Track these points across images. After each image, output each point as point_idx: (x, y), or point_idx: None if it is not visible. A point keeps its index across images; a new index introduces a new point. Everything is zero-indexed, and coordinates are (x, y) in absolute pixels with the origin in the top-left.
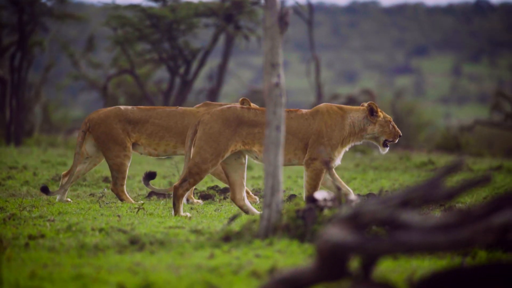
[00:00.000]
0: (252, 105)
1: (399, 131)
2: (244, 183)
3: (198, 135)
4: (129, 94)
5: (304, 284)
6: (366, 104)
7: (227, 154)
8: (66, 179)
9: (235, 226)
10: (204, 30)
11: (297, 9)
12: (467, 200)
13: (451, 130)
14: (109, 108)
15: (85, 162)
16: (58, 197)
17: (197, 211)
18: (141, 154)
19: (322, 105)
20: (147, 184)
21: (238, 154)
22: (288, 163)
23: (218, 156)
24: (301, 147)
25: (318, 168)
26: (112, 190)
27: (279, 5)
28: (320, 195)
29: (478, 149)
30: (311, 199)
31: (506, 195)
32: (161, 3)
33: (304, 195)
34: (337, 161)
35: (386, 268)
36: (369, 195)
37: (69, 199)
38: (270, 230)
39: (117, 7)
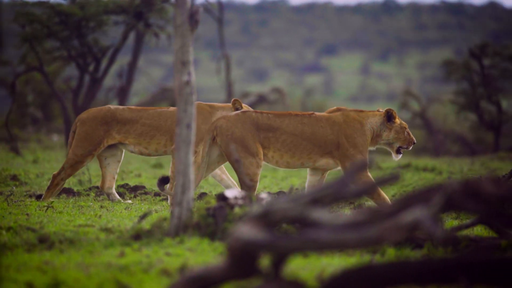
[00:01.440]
0: (244, 105)
1: (414, 138)
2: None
3: (224, 144)
4: (38, 91)
5: (214, 282)
6: (383, 110)
7: (261, 155)
8: (106, 186)
9: (146, 225)
10: (114, 28)
11: (207, 7)
12: None
13: None
14: (99, 108)
15: (108, 163)
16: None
17: (107, 209)
18: (131, 152)
19: (338, 113)
20: (162, 189)
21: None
22: (300, 166)
23: (256, 157)
24: (318, 153)
25: (363, 176)
26: (53, 176)
27: (189, 3)
28: (231, 193)
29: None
30: (221, 197)
31: (414, 193)
32: (70, 0)
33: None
34: None
35: (296, 265)
36: (280, 193)
37: (129, 201)
38: (181, 228)
39: (25, 3)
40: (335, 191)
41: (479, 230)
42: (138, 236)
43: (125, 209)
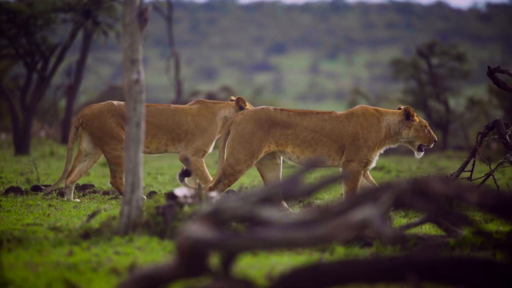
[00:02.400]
0: (248, 104)
1: (435, 136)
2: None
3: (231, 136)
4: None
5: (164, 281)
6: (402, 108)
7: (261, 155)
8: (69, 179)
9: (95, 223)
10: (62, 26)
11: (156, 5)
12: (326, 197)
13: None
14: (101, 103)
15: (84, 160)
16: (65, 197)
17: (55, 208)
18: None
19: (357, 107)
20: (181, 180)
21: (273, 155)
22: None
23: (252, 157)
24: (335, 148)
25: (355, 170)
26: (112, 184)
27: (138, 1)
28: (180, 191)
29: None
30: (171, 196)
31: (363, 192)
32: None
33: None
34: (373, 164)
35: (246, 264)
36: (229, 191)
37: (77, 199)
38: (130, 227)
39: None
40: (285, 189)
41: (428, 229)
42: (87, 234)
43: (73, 207)
